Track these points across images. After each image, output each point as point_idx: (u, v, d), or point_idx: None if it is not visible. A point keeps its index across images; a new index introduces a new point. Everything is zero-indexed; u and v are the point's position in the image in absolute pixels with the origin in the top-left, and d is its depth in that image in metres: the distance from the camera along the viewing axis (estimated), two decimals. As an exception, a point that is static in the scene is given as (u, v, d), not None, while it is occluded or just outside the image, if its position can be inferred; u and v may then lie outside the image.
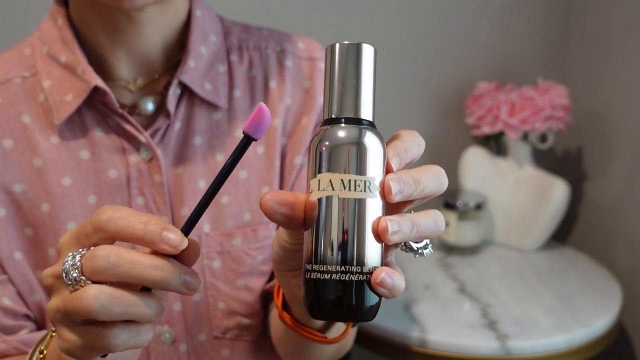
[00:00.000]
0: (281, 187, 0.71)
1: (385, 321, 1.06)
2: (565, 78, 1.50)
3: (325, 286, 0.41)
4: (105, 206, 0.44)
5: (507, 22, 1.45)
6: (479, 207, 1.29)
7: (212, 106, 0.69)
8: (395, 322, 1.06)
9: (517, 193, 1.35)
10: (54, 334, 0.53)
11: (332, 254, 0.40)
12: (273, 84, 0.71)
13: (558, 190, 1.29)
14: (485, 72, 1.46)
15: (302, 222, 0.42)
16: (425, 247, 0.45)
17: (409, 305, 1.11)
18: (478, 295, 1.14)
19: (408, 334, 1.03)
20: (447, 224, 1.30)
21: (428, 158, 1.49)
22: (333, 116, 0.42)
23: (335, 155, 0.40)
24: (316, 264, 0.41)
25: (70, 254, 0.44)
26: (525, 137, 1.33)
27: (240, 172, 0.69)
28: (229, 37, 0.72)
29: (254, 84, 0.71)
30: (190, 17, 0.68)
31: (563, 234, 1.50)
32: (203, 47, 0.68)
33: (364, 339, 1.09)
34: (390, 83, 1.42)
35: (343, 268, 0.40)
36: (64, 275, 0.43)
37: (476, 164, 1.38)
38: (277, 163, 0.70)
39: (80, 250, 0.44)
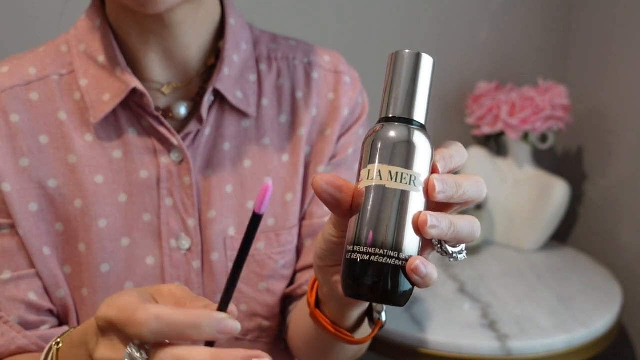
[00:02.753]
0: (304, 193, 0.73)
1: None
2: (566, 78, 1.50)
3: (364, 266, 0.44)
4: (141, 315, 0.42)
5: (507, 22, 1.45)
6: (479, 207, 1.29)
7: (241, 114, 0.70)
8: (396, 322, 1.06)
9: (517, 193, 1.35)
10: (55, 345, 0.54)
11: (374, 238, 0.44)
12: (299, 94, 0.73)
13: (558, 190, 1.29)
14: (486, 72, 1.46)
15: (348, 207, 0.46)
16: (460, 252, 0.48)
17: (409, 306, 1.11)
18: (478, 296, 1.14)
19: (408, 334, 1.03)
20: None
21: (428, 158, 1.49)
22: (390, 115, 0.46)
23: (386, 149, 0.45)
24: (358, 245, 0.44)
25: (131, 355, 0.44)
26: (525, 137, 1.32)
27: (265, 179, 0.71)
28: (258, 46, 0.74)
29: (281, 94, 0.73)
30: (225, 25, 0.70)
31: (563, 234, 1.50)
32: (235, 55, 0.70)
33: (364, 339, 1.09)
34: (391, 83, 1.42)
35: (382, 252, 0.44)
36: None
37: (476, 164, 1.38)
38: (301, 171, 0.72)
39: (138, 353, 0.44)
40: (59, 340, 0.54)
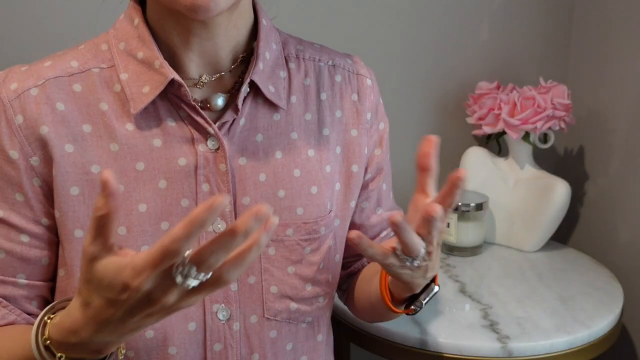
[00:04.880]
0: (346, 194, 0.80)
1: (386, 322, 1.06)
2: (567, 77, 1.50)
3: None
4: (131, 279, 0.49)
5: (508, 21, 1.45)
6: (479, 207, 1.28)
7: (272, 107, 0.75)
8: (396, 323, 1.05)
9: (518, 193, 1.35)
10: (48, 320, 0.59)
11: None
12: (324, 96, 0.79)
13: (559, 191, 1.28)
14: (486, 71, 1.45)
15: None
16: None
17: (409, 306, 1.10)
18: (479, 296, 1.14)
19: (408, 335, 1.03)
20: (447, 225, 1.29)
21: (429, 158, 1.48)
22: None
23: None
24: None
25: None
26: (526, 137, 1.32)
27: (294, 171, 0.76)
28: (286, 46, 0.79)
29: (307, 93, 0.78)
30: (258, 25, 0.75)
31: (564, 235, 1.50)
32: (267, 53, 0.74)
33: (364, 339, 1.08)
34: (391, 83, 1.42)
35: None
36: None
37: (477, 164, 1.38)
38: (327, 168, 0.77)
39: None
40: (51, 315, 0.59)
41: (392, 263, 0.65)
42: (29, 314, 0.72)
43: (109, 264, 0.50)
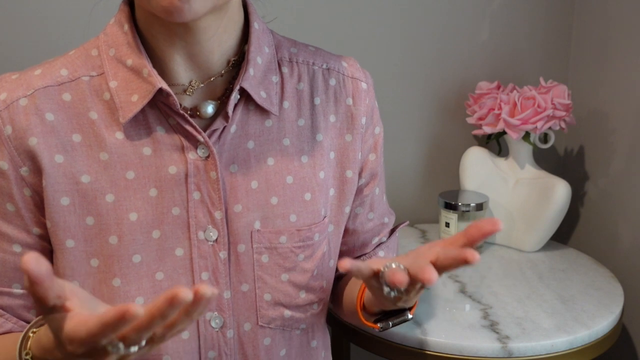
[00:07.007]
0: (340, 200, 0.79)
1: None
2: (567, 77, 1.50)
3: None
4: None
5: (508, 21, 1.45)
6: (479, 207, 1.28)
7: (264, 113, 0.74)
8: (396, 323, 1.05)
9: (518, 193, 1.34)
10: (32, 334, 0.60)
11: None
12: (318, 101, 0.77)
13: (559, 191, 1.28)
14: (487, 71, 1.45)
15: None
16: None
17: (409, 306, 1.10)
18: (479, 297, 1.14)
19: (408, 335, 1.03)
20: (447, 225, 1.29)
21: (429, 158, 1.48)
22: None
23: None
24: None
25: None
26: (526, 136, 1.32)
27: (287, 177, 0.75)
28: (280, 50, 0.77)
29: (300, 98, 0.77)
30: (250, 29, 0.73)
31: (564, 235, 1.50)
32: (259, 57, 0.73)
33: (364, 340, 1.08)
34: (391, 82, 1.42)
35: None
36: None
37: (477, 164, 1.37)
38: (321, 174, 0.77)
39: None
40: (35, 330, 0.60)
41: (373, 285, 0.64)
42: (28, 322, 0.72)
43: (53, 320, 0.51)
